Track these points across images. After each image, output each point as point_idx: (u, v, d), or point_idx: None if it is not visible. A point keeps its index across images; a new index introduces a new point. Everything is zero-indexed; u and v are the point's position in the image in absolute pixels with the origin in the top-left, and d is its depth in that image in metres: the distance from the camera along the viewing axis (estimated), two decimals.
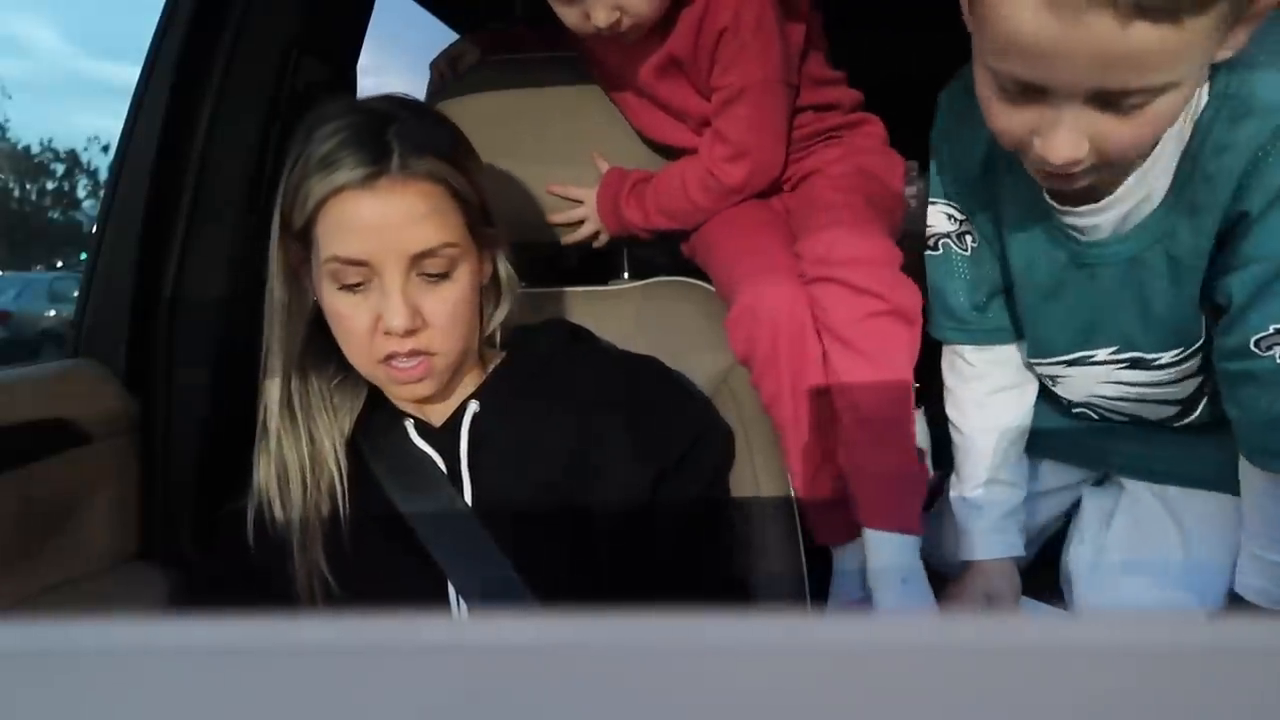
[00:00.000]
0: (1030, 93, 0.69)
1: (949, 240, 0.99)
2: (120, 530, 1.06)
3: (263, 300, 0.93)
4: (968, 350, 1.05)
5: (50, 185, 28.66)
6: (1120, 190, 0.80)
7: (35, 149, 28.70)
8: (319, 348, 0.94)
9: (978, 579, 1.06)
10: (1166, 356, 0.90)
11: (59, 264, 23.10)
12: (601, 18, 0.99)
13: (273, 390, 0.92)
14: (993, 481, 1.06)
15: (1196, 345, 0.88)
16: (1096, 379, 0.97)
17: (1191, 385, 0.93)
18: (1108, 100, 0.67)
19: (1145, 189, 0.80)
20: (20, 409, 0.96)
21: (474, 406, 0.94)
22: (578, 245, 1.26)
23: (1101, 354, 0.94)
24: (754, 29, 1.05)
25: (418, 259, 0.86)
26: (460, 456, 0.93)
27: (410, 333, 0.86)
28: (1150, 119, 0.69)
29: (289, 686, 0.22)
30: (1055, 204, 0.85)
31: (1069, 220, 0.86)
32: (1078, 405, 1.04)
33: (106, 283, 1.10)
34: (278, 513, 0.90)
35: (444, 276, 0.88)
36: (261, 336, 0.93)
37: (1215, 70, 0.73)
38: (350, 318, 0.88)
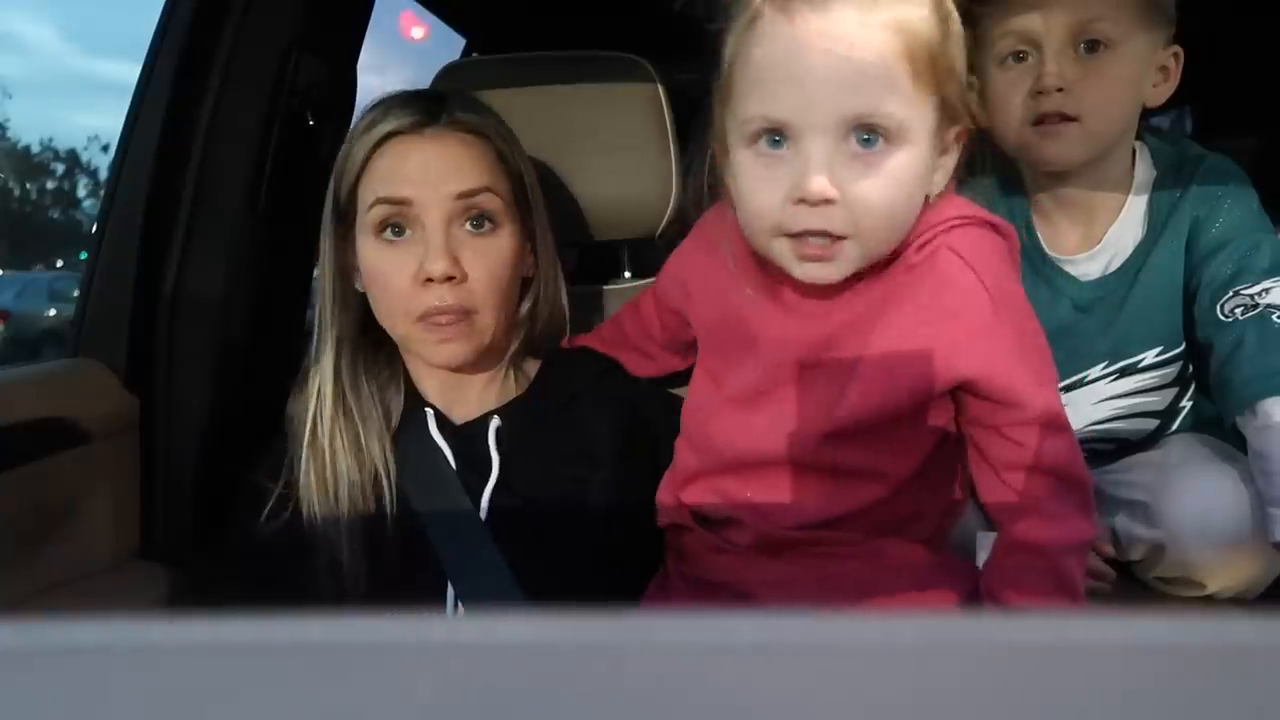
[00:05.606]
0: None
1: None
2: (120, 530, 1.05)
3: (263, 299, 0.93)
4: None
5: (50, 185, 28.66)
6: (1104, 240, 1.05)
7: (35, 149, 28.73)
8: (370, 342, 0.94)
9: None
10: (1150, 355, 1.07)
11: (59, 264, 23.09)
12: None
13: (325, 386, 0.92)
14: None
15: (1177, 350, 1.06)
16: (1091, 401, 1.09)
17: (1170, 394, 1.09)
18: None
19: (1121, 238, 1.05)
20: (20, 408, 0.96)
21: (496, 422, 0.95)
22: (578, 244, 1.25)
23: (1094, 371, 1.09)
24: None
25: (460, 201, 0.88)
26: (480, 459, 0.93)
27: (450, 280, 0.87)
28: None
29: (289, 686, 0.22)
30: (1056, 255, 1.07)
31: (1069, 269, 1.07)
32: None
33: (107, 282, 1.09)
34: (313, 508, 0.90)
35: (486, 227, 0.90)
36: (260, 336, 0.93)
37: (1158, 153, 1.05)
38: (391, 271, 0.89)
